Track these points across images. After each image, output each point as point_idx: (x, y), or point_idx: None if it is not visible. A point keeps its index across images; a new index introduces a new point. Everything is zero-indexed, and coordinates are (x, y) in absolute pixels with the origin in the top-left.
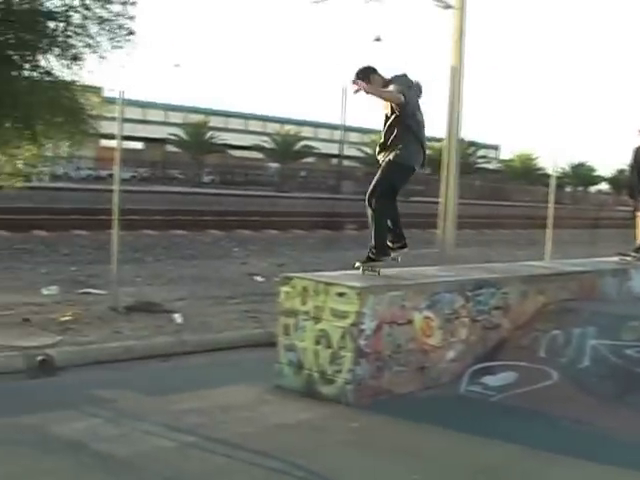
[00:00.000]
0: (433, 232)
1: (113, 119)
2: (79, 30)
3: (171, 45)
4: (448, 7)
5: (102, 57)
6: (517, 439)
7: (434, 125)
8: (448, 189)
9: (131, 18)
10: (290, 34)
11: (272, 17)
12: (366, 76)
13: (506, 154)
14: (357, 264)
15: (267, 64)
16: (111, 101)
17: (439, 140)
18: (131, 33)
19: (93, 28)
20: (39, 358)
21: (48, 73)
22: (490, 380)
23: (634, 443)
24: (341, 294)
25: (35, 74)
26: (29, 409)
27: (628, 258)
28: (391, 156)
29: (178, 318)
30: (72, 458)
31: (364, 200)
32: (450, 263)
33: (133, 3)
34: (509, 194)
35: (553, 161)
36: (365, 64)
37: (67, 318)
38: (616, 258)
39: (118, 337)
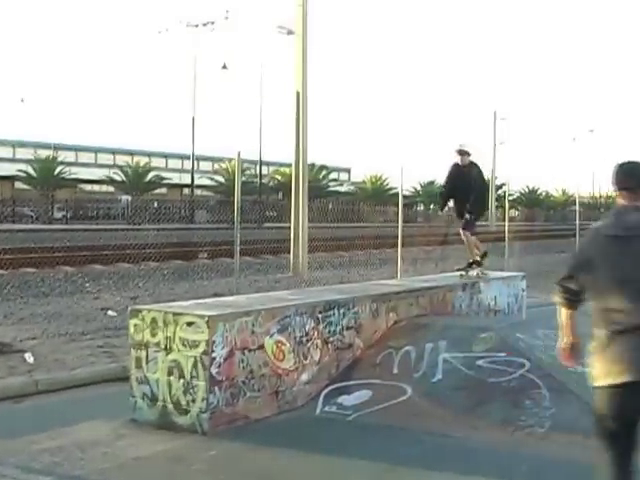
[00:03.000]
0: (287, 257)
1: None
2: None
3: (15, 79)
4: (290, 33)
5: None
6: (380, 457)
7: (283, 151)
8: (298, 213)
9: None
10: (137, 63)
11: (115, 47)
12: None
13: (358, 176)
14: None
15: (115, 95)
16: None
17: (288, 165)
18: None
19: None
20: None
21: None
22: (345, 399)
23: (494, 452)
24: (190, 323)
25: None
26: None
27: (471, 272)
28: None
29: (29, 357)
30: None
31: None
32: (305, 286)
33: None
34: (363, 215)
35: (401, 181)
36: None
37: None
38: (457, 274)
39: None
